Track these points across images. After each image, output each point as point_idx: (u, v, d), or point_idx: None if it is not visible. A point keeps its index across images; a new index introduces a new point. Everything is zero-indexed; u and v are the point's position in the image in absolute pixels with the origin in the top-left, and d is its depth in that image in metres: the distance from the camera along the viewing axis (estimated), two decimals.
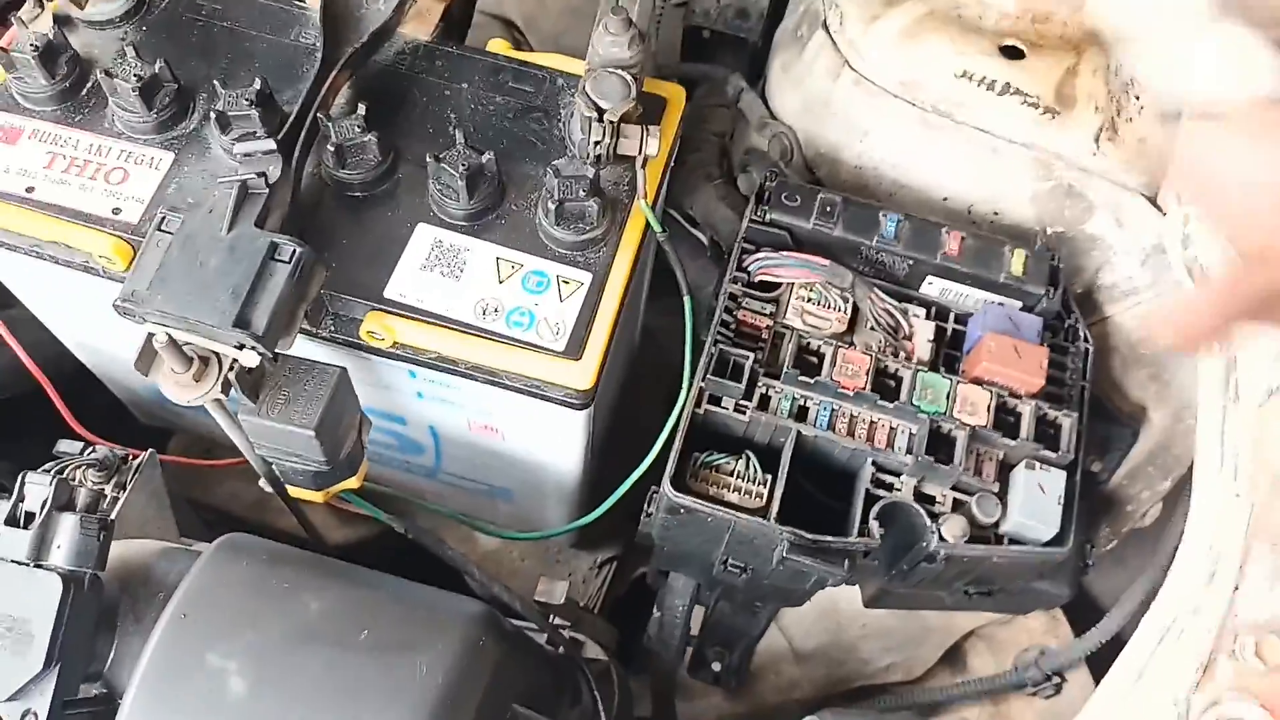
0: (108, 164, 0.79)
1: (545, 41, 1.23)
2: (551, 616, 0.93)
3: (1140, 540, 1.04)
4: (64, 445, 0.84)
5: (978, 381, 0.86)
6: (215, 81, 0.78)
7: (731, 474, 0.84)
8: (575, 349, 0.76)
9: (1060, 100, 0.92)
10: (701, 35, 1.18)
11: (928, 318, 0.91)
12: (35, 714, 0.69)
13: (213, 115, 0.77)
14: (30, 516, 0.72)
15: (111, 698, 0.74)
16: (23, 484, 0.73)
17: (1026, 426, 0.84)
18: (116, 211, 0.77)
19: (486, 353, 0.75)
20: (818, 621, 1.11)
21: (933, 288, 0.92)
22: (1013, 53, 0.94)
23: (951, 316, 0.91)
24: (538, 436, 0.88)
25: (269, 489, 0.92)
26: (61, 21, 0.83)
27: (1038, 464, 0.83)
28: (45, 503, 0.71)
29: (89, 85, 0.82)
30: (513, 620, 0.81)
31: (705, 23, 1.16)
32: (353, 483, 0.83)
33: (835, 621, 1.11)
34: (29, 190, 0.78)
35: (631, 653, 1.11)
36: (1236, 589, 0.73)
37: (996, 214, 0.97)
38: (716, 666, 1.12)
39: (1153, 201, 0.91)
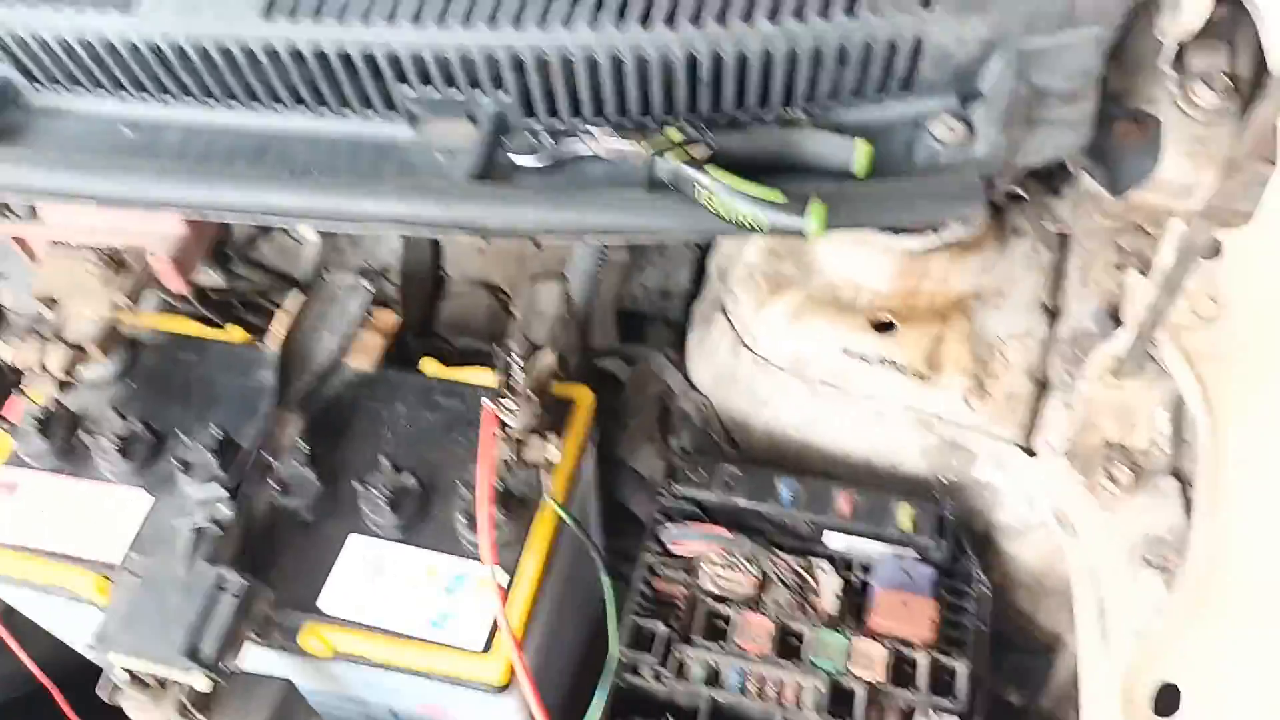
0: (97, 506, 0.93)
1: None
2: None
3: None
4: None
5: (874, 636, 0.93)
6: (180, 429, 0.92)
7: None
8: (488, 644, 0.85)
9: (931, 366, 1.02)
10: (633, 317, 1.33)
11: (835, 570, 0.99)
12: None
13: (174, 462, 0.90)
14: None
15: None
16: None
17: (921, 678, 0.90)
18: (102, 554, 0.90)
19: (412, 656, 0.85)
20: None
21: (836, 541, 1.01)
22: (885, 326, 1.05)
23: (857, 565, 0.99)
24: (482, 714, 0.96)
25: None
26: (64, 385, 0.99)
27: (933, 711, 0.88)
28: None
29: (79, 438, 0.97)
30: None
31: (634, 306, 1.30)
32: None
33: None
34: (26, 541, 0.92)
35: None
36: None
37: (894, 467, 1.06)
38: None
39: (1025, 449, 0.99)
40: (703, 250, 1.32)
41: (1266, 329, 0.91)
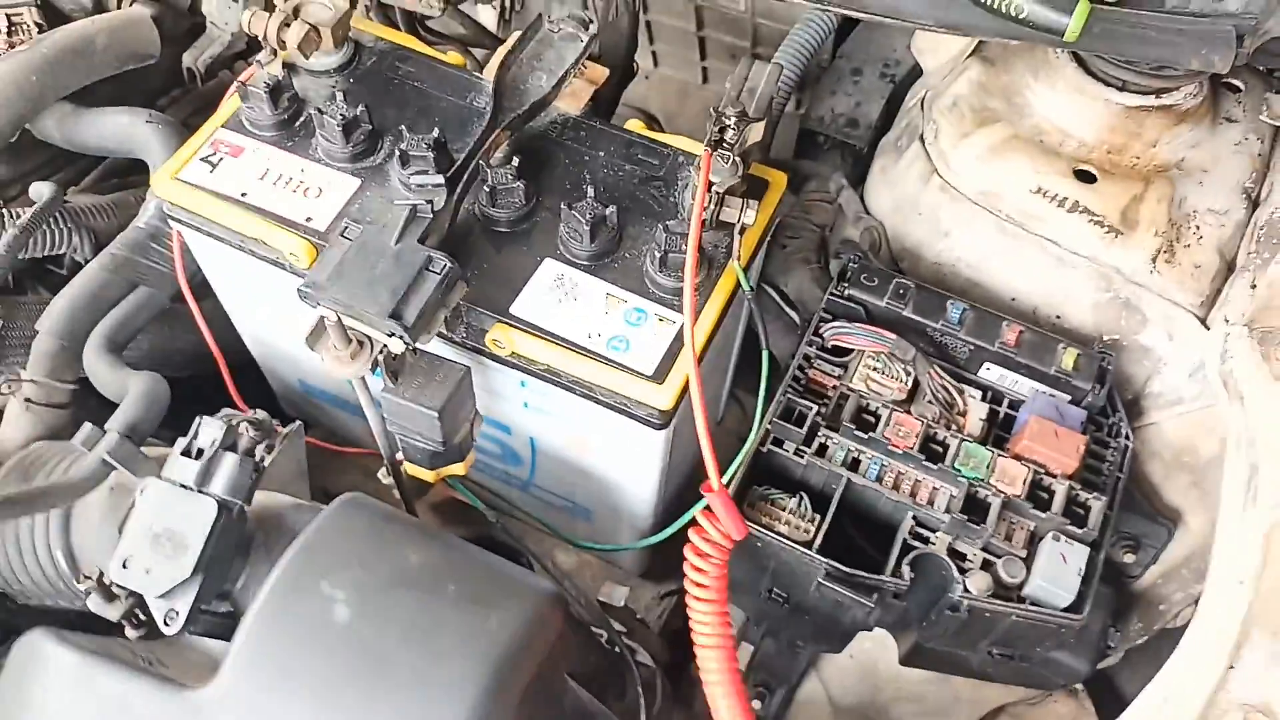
0: (307, 181, 0.97)
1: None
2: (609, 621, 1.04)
3: (1172, 643, 1.08)
4: (230, 411, 1.01)
5: (1018, 458, 0.95)
6: (403, 127, 0.96)
7: (785, 509, 0.95)
8: (661, 374, 0.89)
9: (1125, 222, 1.02)
10: (815, 138, 1.33)
11: (983, 400, 1.01)
12: (177, 612, 0.84)
13: (397, 153, 0.94)
14: (200, 452, 0.88)
15: (235, 615, 0.88)
16: (198, 425, 0.89)
17: (1058, 503, 0.92)
18: (309, 219, 0.95)
19: (587, 369, 0.89)
20: (856, 679, 1.19)
21: (990, 373, 1.02)
22: (1086, 176, 1.05)
23: (1005, 402, 1.01)
24: (621, 454, 1.01)
25: (386, 481, 1.07)
26: (289, 67, 1.03)
27: (1063, 537, 0.91)
28: (215, 441, 0.87)
29: (301, 119, 1.02)
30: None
31: (819, 128, 1.31)
32: (459, 469, 0.97)
33: (872, 682, 1.18)
34: (244, 194, 0.97)
35: (681, 686, 1.20)
36: (1231, 668, 0.80)
37: (1058, 318, 1.07)
38: (757, 705, 1.20)
39: (1202, 321, 0.99)
40: (896, 87, 1.32)
41: None
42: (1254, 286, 0.98)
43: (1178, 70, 1.03)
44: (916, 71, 1.29)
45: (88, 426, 0.92)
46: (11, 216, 1.10)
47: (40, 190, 1.12)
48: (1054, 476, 0.94)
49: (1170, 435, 1.04)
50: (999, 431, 1.00)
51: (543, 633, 0.84)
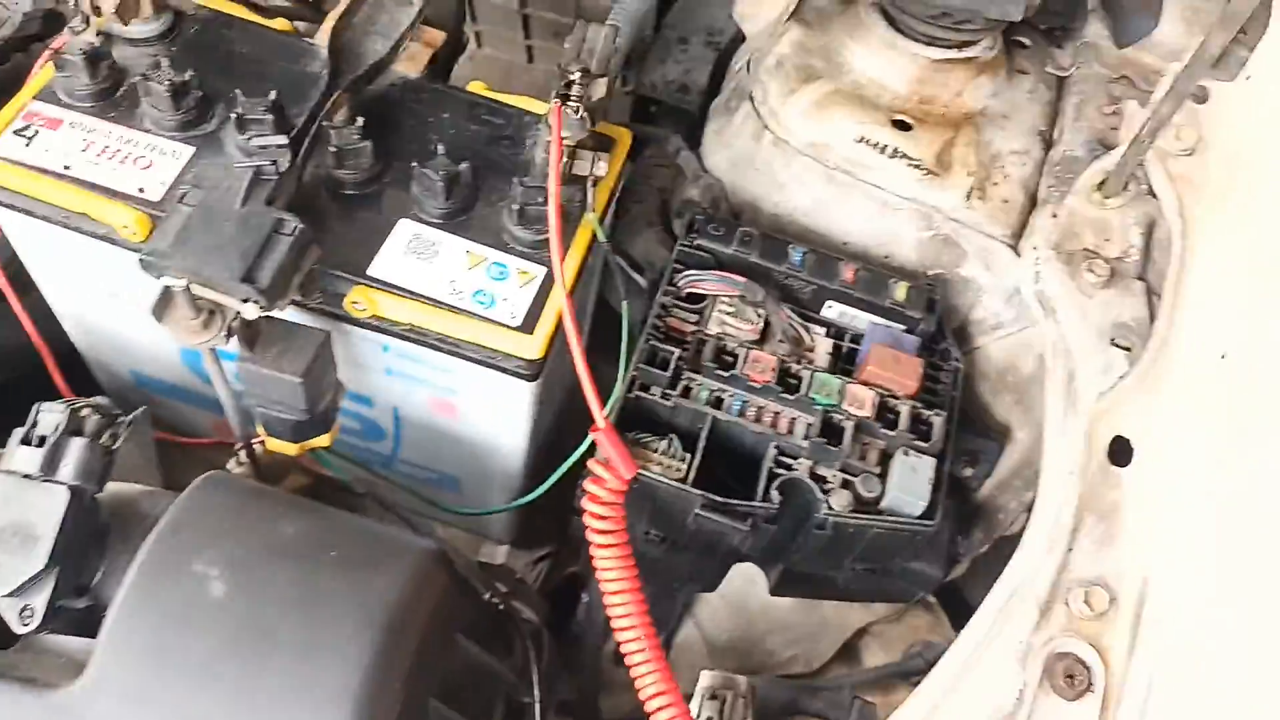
0: (135, 152, 0.93)
1: None
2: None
3: (1010, 547, 1.19)
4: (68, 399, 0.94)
5: (865, 384, 1.02)
6: (237, 90, 0.93)
7: (656, 451, 0.98)
8: (529, 326, 0.90)
9: (939, 165, 1.11)
10: (648, 106, 1.37)
11: (828, 335, 1.07)
12: (32, 609, 0.78)
13: (232, 117, 0.91)
14: (42, 439, 0.82)
15: (96, 609, 0.83)
16: (37, 413, 0.84)
17: (904, 421, 0.99)
18: (141, 190, 0.90)
19: (453, 325, 0.89)
20: (729, 616, 1.23)
21: (832, 311, 1.09)
22: (902, 125, 1.13)
23: (848, 335, 1.08)
24: (490, 413, 1.01)
25: (238, 470, 1.03)
26: (104, 36, 0.98)
27: (912, 451, 0.98)
28: (58, 427, 0.82)
29: (122, 89, 0.96)
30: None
31: (651, 94, 1.35)
32: (324, 440, 0.95)
33: (745, 617, 1.23)
34: (66, 168, 0.91)
35: (559, 647, 1.21)
36: (1069, 550, 0.89)
37: (887, 257, 1.15)
38: None
39: (1014, 249, 1.09)
40: (721, 53, 1.38)
41: (1235, 165, 1.03)
42: (1055, 216, 1.09)
43: (976, 25, 1.12)
44: (739, 38, 1.35)
45: None
46: None
47: None
48: (898, 399, 1.01)
49: (994, 357, 1.14)
50: (844, 365, 1.07)
51: (430, 589, 0.83)
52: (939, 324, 1.08)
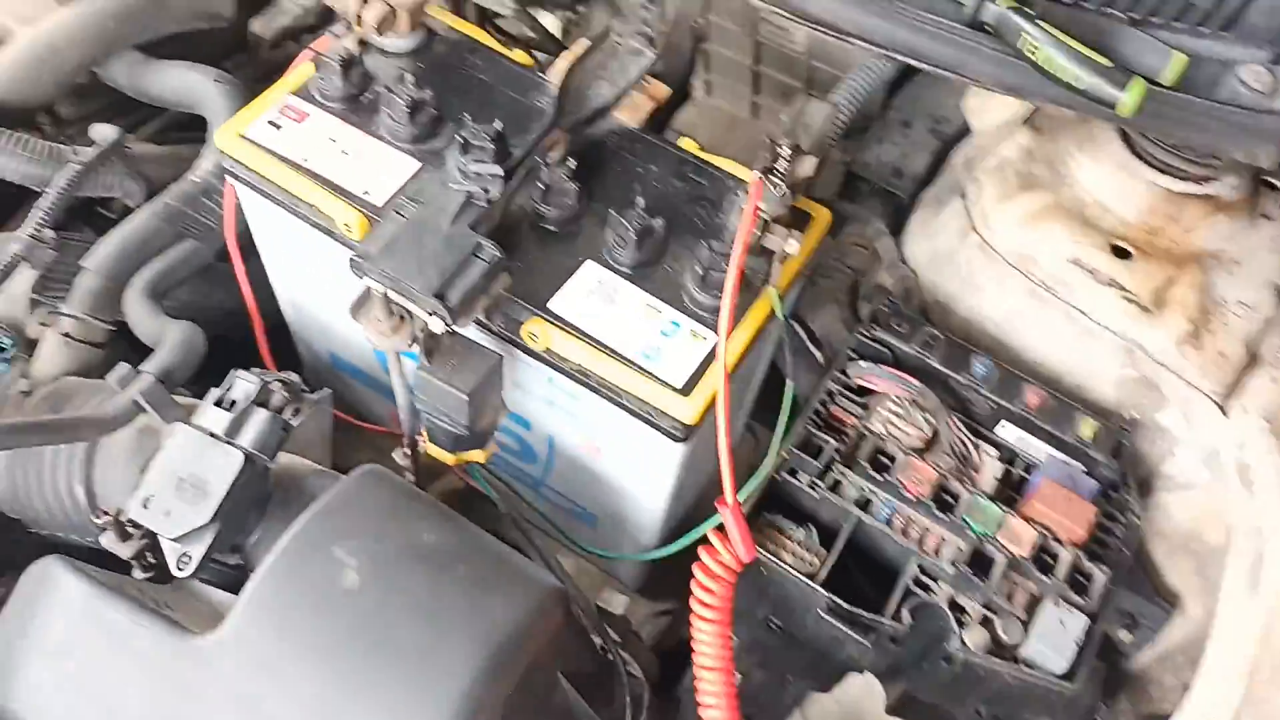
0: (368, 157, 0.99)
1: None
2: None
3: None
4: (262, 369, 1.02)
5: (1027, 520, 0.96)
6: (466, 115, 0.98)
7: (792, 539, 0.96)
8: (689, 388, 0.90)
9: (1156, 302, 1.04)
10: (858, 183, 1.35)
11: (998, 459, 1.02)
12: (190, 556, 0.85)
13: (458, 139, 0.96)
14: (233, 404, 0.89)
15: (244, 569, 0.89)
16: (233, 378, 0.91)
17: (1062, 569, 0.93)
18: (366, 193, 0.97)
19: (617, 373, 0.91)
20: None
21: (1007, 433, 1.04)
22: (1121, 252, 1.07)
23: (1019, 463, 1.02)
24: (637, 464, 1.02)
25: (401, 461, 1.08)
26: (362, 44, 1.06)
27: (1064, 603, 0.91)
28: (248, 395, 0.89)
29: (369, 96, 1.04)
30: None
31: (864, 173, 1.33)
32: (479, 456, 0.98)
33: None
34: (305, 160, 0.99)
35: (666, 708, 1.20)
36: None
37: (1081, 388, 1.08)
38: None
39: (1221, 408, 1.01)
40: (944, 143, 1.34)
41: None
42: (1275, 381, 1.00)
43: (1222, 161, 1.05)
44: (964, 131, 1.32)
45: (124, 366, 0.93)
46: (75, 154, 1.12)
47: (103, 133, 1.14)
48: (1060, 543, 0.95)
49: (1178, 518, 1.05)
50: (1010, 491, 1.01)
51: (543, 624, 0.85)
52: (1123, 472, 1.01)
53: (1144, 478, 1.07)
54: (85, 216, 1.26)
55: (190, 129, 1.37)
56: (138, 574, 0.87)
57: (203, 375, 1.08)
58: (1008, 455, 1.02)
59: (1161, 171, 1.07)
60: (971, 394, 1.04)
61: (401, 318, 0.90)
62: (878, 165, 1.33)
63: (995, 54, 0.86)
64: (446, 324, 0.87)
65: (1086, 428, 1.00)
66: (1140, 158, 1.08)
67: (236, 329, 1.18)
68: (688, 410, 0.90)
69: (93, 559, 0.87)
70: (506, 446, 1.14)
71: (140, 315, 1.09)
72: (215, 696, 0.79)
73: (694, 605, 0.91)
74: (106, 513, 0.86)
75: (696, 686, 0.89)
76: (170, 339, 1.04)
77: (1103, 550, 0.96)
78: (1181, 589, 1.06)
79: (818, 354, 1.25)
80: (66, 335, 1.07)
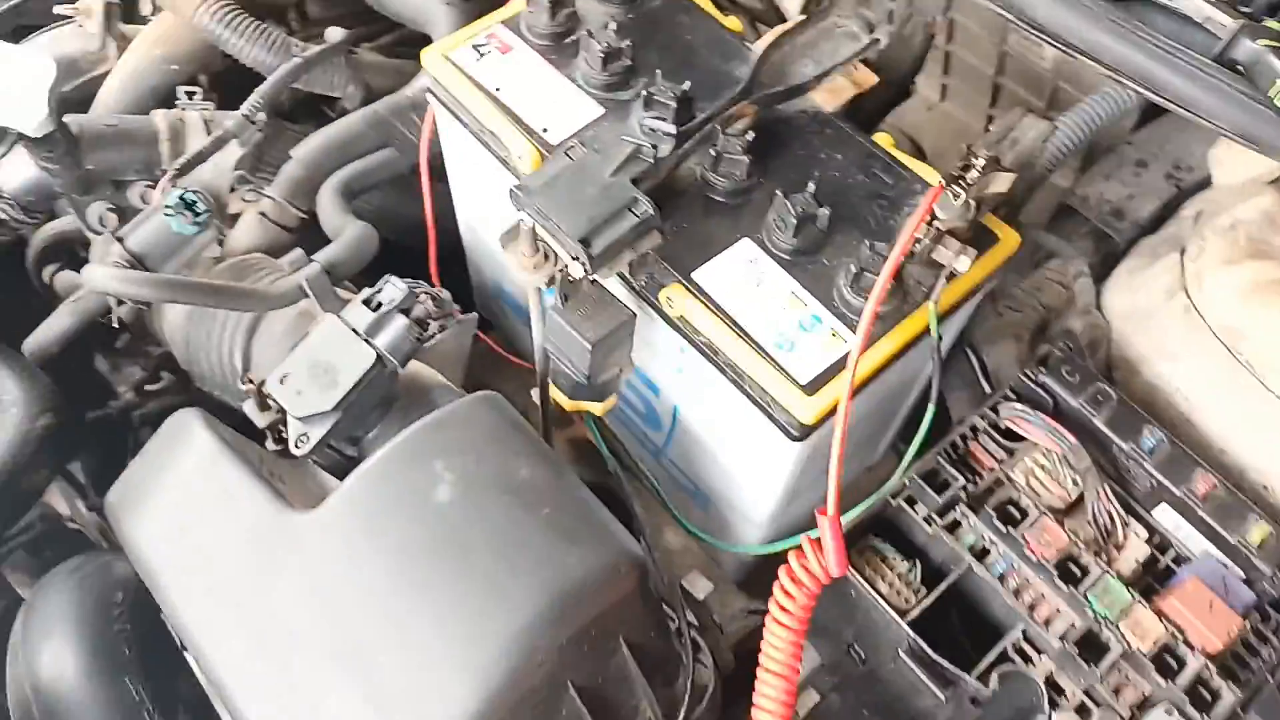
0: (556, 96, 1.01)
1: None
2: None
3: None
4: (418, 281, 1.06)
5: (1160, 614, 0.86)
6: (658, 71, 0.97)
7: (893, 569, 0.91)
8: (814, 388, 0.86)
9: None
10: (1073, 216, 1.25)
11: (1146, 542, 0.92)
12: (308, 437, 0.90)
13: (643, 94, 0.95)
14: (379, 305, 0.93)
15: (356, 461, 0.94)
16: (385, 283, 0.95)
17: (1184, 677, 0.83)
18: (545, 130, 0.98)
19: (744, 356, 0.88)
20: None
21: (1165, 517, 0.93)
22: None
23: (1169, 554, 0.92)
24: (752, 455, 0.99)
25: (536, 400, 1.10)
26: None
27: (1178, 713, 0.82)
28: (394, 301, 0.93)
29: (571, 38, 1.05)
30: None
31: (1081, 207, 1.22)
32: (596, 408, 0.98)
33: None
34: (497, 89, 1.01)
35: (733, 708, 1.17)
36: None
37: (1266, 489, 0.96)
38: None
39: None
40: (1180, 191, 1.21)
41: None
42: None
43: None
44: (1205, 183, 1.18)
45: (298, 252, 1.00)
46: (301, 50, 1.20)
47: (333, 34, 1.22)
48: (1191, 648, 0.85)
49: None
50: (1151, 580, 0.91)
51: (613, 586, 0.84)
52: None
53: None
54: (311, 112, 1.36)
55: (421, 46, 1.44)
56: (270, 445, 0.93)
57: (375, 275, 1.15)
58: (1159, 542, 0.92)
59: None
60: (1134, 465, 0.94)
61: (546, 256, 0.91)
62: (1098, 202, 1.22)
63: (1240, 97, 0.77)
64: (585, 270, 0.88)
65: (1257, 532, 0.89)
66: None
67: (417, 243, 1.24)
68: (808, 409, 0.86)
69: (242, 427, 0.93)
70: (634, 407, 1.14)
71: (328, 208, 1.16)
72: (297, 570, 0.84)
73: (771, 606, 0.88)
74: (252, 381, 0.92)
75: (755, 687, 0.86)
76: (346, 235, 1.10)
77: (1240, 670, 0.85)
78: None
79: (987, 387, 1.17)
80: (263, 215, 1.16)
